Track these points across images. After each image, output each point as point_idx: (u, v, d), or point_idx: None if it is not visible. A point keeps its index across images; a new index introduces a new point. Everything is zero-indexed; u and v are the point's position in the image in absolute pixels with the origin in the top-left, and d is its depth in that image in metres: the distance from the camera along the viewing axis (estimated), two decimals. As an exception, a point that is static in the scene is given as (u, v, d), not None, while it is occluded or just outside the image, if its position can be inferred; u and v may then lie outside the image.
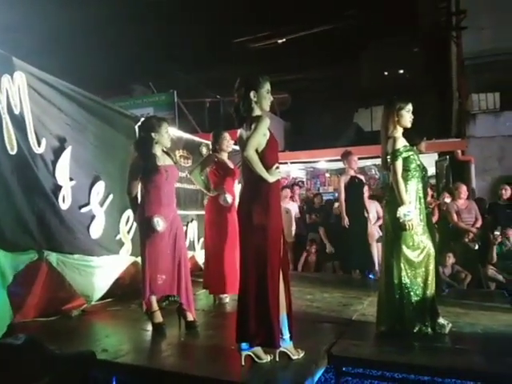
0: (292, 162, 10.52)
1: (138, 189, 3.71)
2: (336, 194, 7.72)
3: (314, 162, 10.79)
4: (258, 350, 2.87)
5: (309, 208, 7.96)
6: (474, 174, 8.18)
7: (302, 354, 2.95)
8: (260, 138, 2.80)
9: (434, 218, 6.16)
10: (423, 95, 13.58)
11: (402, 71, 15.26)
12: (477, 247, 5.99)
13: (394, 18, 12.79)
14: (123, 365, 2.94)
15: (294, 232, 7.42)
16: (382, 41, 13.71)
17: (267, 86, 2.93)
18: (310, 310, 4.29)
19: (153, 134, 3.56)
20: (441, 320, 3.45)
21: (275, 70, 11.49)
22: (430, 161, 10.00)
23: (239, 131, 2.98)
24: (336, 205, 6.67)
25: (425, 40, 12.57)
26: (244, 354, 2.85)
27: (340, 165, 6.40)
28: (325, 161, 10.38)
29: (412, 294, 3.41)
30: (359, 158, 7.42)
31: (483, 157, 8.19)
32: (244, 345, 2.85)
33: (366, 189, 6.48)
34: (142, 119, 4.09)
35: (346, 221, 5.91)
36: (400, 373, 3.00)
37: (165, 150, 3.68)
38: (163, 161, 3.61)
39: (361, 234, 5.95)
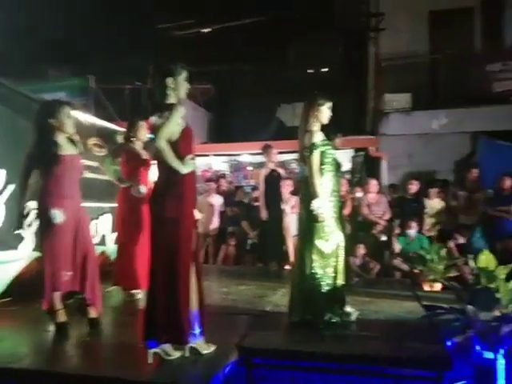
0: (215, 155, 10.45)
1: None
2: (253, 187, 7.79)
3: (237, 154, 10.81)
4: (167, 346, 2.80)
5: (230, 201, 7.95)
6: (386, 169, 8.67)
7: (212, 348, 2.93)
8: (173, 127, 2.72)
9: (347, 211, 6.43)
10: (343, 93, 14.16)
11: (325, 69, 15.77)
12: (384, 238, 6.34)
13: (317, 17, 13.15)
14: (19, 370, 2.72)
15: (216, 225, 7.38)
16: (306, 38, 14.03)
17: (185, 74, 2.88)
18: (224, 303, 4.29)
19: (52, 120, 3.30)
20: (348, 308, 3.61)
21: (200, 60, 11.32)
22: (346, 156, 10.47)
23: (152, 119, 2.87)
24: (253, 196, 6.75)
25: (345, 40, 13.06)
26: (152, 351, 2.76)
27: (263, 158, 6.49)
28: (248, 154, 10.44)
29: (322, 284, 3.52)
30: (281, 152, 7.56)
31: (394, 154, 8.69)
32: (152, 342, 2.77)
33: (288, 183, 6.62)
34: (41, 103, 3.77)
35: (264, 213, 5.98)
36: (309, 361, 3.10)
37: (70, 137, 3.44)
38: (66, 149, 3.36)
39: (277, 226, 6.06)
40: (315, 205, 3.41)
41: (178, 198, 2.71)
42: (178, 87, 2.82)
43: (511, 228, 6.15)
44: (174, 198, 2.71)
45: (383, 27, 9.27)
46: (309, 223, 3.50)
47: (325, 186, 3.50)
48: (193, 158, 2.79)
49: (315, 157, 3.45)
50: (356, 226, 6.69)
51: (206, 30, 11.50)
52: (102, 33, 11.29)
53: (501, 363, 2.91)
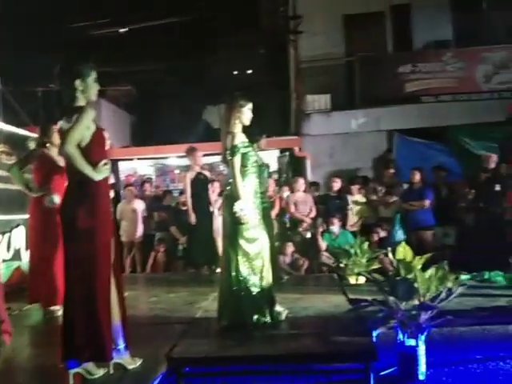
0: (140, 158, 10.12)
1: None
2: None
3: (163, 158, 10.56)
4: (90, 365, 2.62)
5: (158, 206, 7.73)
6: (310, 168, 8.91)
7: (139, 362, 2.79)
8: (82, 131, 2.55)
9: (276, 211, 6.50)
10: (267, 94, 14.38)
11: (250, 71, 15.93)
12: (309, 235, 6.49)
13: (241, 18, 13.23)
14: None
15: (141, 232, 7.13)
16: (231, 40, 14.07)
17: (94, 75, 2.71)
18: (153, 312, 4.15)
19: None
20: (277, 308, 3.62)
21: (119, 60, 10.92)
22: (272, 157, 10.62)
23: (60, 123, 2.68)
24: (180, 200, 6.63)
25: (267, 42, 13.28)
26: (72, 371, 2.57)
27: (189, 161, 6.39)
28: (175, 157, 10.23)
29: (249, 285, 3.50)
30: (208, 155, 7.48)
31: (317, 153, 8.95)
32: (72, 362, 2.58)
33: (216, 185, 6.55)
34: None
35: (193, 217, 5.87)
36: (241, 365, 3.06)
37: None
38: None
39: (207, 229, 5.98)
40: (238, 207, 3.39)
41: (91, 208, 2.54)
42: (88, 89, 2.66)
43: (423, 219, 6.58)
44: (87, 208, 2.54)
45: (302, 30, 9.51)
46: (233, 225, 3.47)
47: (248, 187, 3.48)
48: (106, 164, 2.63)
49: (237, 159, 3.43)
50: (284, 225, 6.80)
51: (123, 30, 11.09)
52: (10, 32, 10.50)
53: (421, 349, 3.05)
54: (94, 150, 2.60)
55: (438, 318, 3.07)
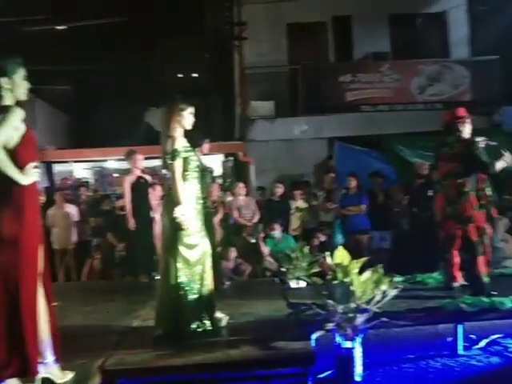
0: (76, 161, 9.71)
1: None
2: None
3: (101, 160, 10.19)
4: (13, 381, 2.45)
5: (95, 211, 7.43)
6: (254, 173, 8.96)
7: (70, 376, 2.65)
8: (9, 131, 2.39)
9: (219, 216, 6.46)
10: (212, 99, 14.36)
11: (195, 74, 15.83)
12: (254, 240, 6.51)
13: (187, 21, 13.12)
14: None
15: (75, 238, 6.82)
16: (176, 43, 13.91)
17: (22, 72, 2.55)
18: (87, 322, 3.95)
19: None
20: (218, 314, 3.58)
21: (56, 59, 10.45)
22: (216, 161, 10.58)
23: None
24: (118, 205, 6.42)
25: (212, 46, 13.26)
26: (-7, 389, 2.39)
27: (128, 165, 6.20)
28: (114, 160, 9.91)
29: (189, 292, 3.42)
30: (150, 158, 7.30)
31: (261, 158, 9.02)
32: (-7, 379, 2.40)
33: (158, 189, 6.40)
34: None
35: (132, 223, 5.70)
36: (178, 375, 2.98)
37: None
38: None
39: (147, 235, 5.82)
40: (179, 212, 3.32)
41: (16, 214, 2.38)
42: (15, 87, 2.50)
43: (360, 224, 6.81)
44: (12, 213, 2.37)
45: (246, 36, 9.57)
46: (172, 231, 3.39)
47: (189, 192, 3.42)
48: (36, 167, 2.48)
49: (177, 163, 3.36)
50: (228, 230, 6.77)
51: (61, 27, 10.62)
52: None
53: (358, 351, 3.13)
54: (22, 152, 2.45)
55: (374, 320, 3.16)
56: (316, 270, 5.10)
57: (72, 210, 6.99)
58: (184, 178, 3.41)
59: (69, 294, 5.41)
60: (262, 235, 6.59)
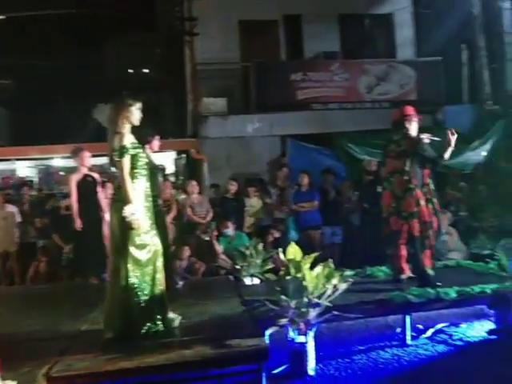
0: (19, 159, 9.22)
1: None
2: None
3: (46, 158, 9.74)
4: None
5: (40, 211, 7.10)
6: (207, 171, 8.87)
7: (12, 385, 2.51)
8: None
9: (172, 214, 6.35)
10: (164, 95, 14.09)
11: (146, 70, 15.44)
12: (207, 238, 6.45)
13: (135, 17, 12.79)
14: None
15: (17, 240, 6.49)
16: (126, 38, 13.52)
17: None
18: (32, 327, 3.76)
19: None
20: (170, 315, 3.51)
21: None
22: (169, 159, 10.40)
23: None
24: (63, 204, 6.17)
25: (164, 42, 13.00)
26: None
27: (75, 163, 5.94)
28: (60, 158, 9.50)
29: (140, 293, 3.34)
30: (98, 155, 7.04)
31: (214, 156, 8.94)
32: None
33: (108, 187, 6.18)
34: None
35: (78, 223, 5.48)
36: (131, 378, 2.90)
37: None
38: None
39: (95, 235, 5.62)
40: (128, 211, 3.22)
41: None
42: None
43: (312, 219, 6.93)
44: None
45: (197, 32, 9.45)
46: (122, 231, 3.29)
47: (138, 190, 3.33)
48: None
49: (126, 161, 3.26)
50: (181, 228, 6.67)
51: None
52: None
53: (311, 345, 3.17)
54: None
55: (326, 313, 3.21)
56: (270, 266, 5.13)
57: (14, 210, 6.63)
58: (132, 175, 3.31)
59: (13, 298, 5.16)
60: (216, 233, 6.54)
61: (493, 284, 4.15)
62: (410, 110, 4.70)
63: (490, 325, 4.08)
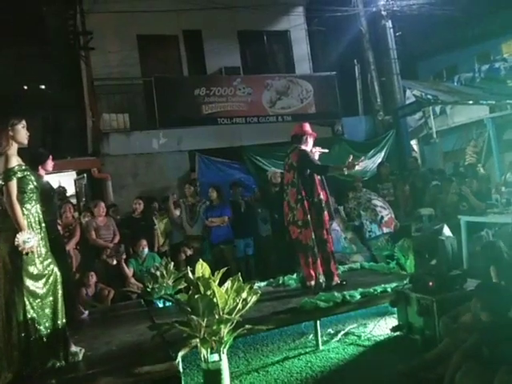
0: None
1: None
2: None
3: None
4: None
5: None
6: (112, 190, 8.46)
7: None
8: None
9: (76, 238, 5.95)
10: (62, 112, 13.29)
11: (43, 86, 14.43)
12: (115, 262, 6.13)
13: (28, 30, 11.91)
14: None
15: None
16: (20, 52, 12.54)
17: None
18: None
19: None
20: (73, 348, 3.26)
21: None
22: (69, 179, 9.79)
23: None
24: None
25: (58, 57, 12.30)
26: None
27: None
28: None
29: (41, 328, 3.09)
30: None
31: (119, 174, 8.56)
32: None
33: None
34: None
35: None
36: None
37: None
38: None
39: None
40: (20, 239, 2.95)
41: None
42: None
43: (223, 234, 6.93)
44: None
45: (93, 47, 9.07)
46: (14, 261, 3.00)
47: (29, 216, 3.06)
48: None
49: (13, 184, 2.99)
50: (87, 253, 6.26)
51: None
52: None
53: (224, 363, 3.12)
54: None
55: (238, 328, 3.18)
56: (183, 285, 5.00)
57: None
58: (21, 200, 3.04)
59: None
60: (124, 256, 6.23)
61: (393, 283, 4.45)
62: (307, 126, 4.97)
63: (393, 322, 4.33)
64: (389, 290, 4.32)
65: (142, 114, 9.07)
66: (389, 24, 10.54)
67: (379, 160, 9.28)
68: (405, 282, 4.25)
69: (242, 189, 7.79)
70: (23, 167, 3.10)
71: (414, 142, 11.80)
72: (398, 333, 4.13)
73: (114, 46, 9.06)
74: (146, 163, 8.87)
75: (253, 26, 10.43)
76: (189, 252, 6.83)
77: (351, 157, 4.67)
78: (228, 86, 9.19)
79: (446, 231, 4.66)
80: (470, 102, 10.03)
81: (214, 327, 3.04)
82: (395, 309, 4.29)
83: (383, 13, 10.45)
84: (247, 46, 10.49)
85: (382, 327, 4.38)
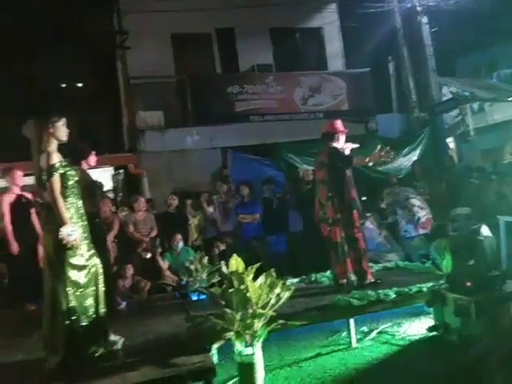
0: None
1: None
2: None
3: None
4: None
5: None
6: (147, 186, 8.67)
7: None
8: None
9: (114, 232, 6.14)
10: (98, 110, 13.67)
11: (80, 84, 14.89)
12: (149, 256, 6.28)
13: (67, 30, 12.29)
14: None
15: None
16: (58, 52, 12.98)
17: None
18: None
19: None
20: (112, 337, 3.38)
21: None
22: (106, 175, 10.07)
23: None
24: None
25: (96, 56, 12.65)
26: None
27: (6, 183, 5.56)
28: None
29: (83, 317, 3.21)
30: (29, 175, 6.68)
31: (154, 170, 8.77)
32: None
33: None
34: None
35: (15, 246, 5.16)
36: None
37: None
38: None
39: (32, 259, 5.30)
40: (64, 232, 3.08)
41: None
42: None
43: (255, 230, 6.97)
44: None
45: (129, 46, 9.29)
46: (58, 253, 3.14)
47: (71, 210, 3.19)
48: None
49: (55, 180, 3.12)
50: (124, 246, 6.45)
51: None
52: None
53: (258, 356, 3.16)
54: None
55: (271, 323, 3.22)
56: (216, 279, 5.09)
57: None
58: (64, 195, 3.18)
59: None
60: (160, 250, 6.39)
61: (429, 282, 4.38)
62: (338, 123, 4.91)
63: (429, 322, 4.27)
64: (424, 289, 4.25)
65: (176, 112, 9.24)
66: (424, 20, 10.32)
67: (414, 158, 9.11)
68: (441, 281, 4.18)
69: (274, 185, 7.81)
70: (64, 163, 3.23)
71: (450, 140, 11.52)
72: (433, 333, 4.07)
73: (149, 45, 9.25)
74: (179, 160, 9.03)
75: (285, 24, 10.44)
76: (222, 247, 6.94)
77: (378, 147, 4.61)
78: (260, 83, 9.24)
79: (485, 231, 4.53)
80: (510, 98, 9.71)
81: (248, 321, 3.09)
82: (430, 309, 4.23)
83: (418, 8, 10.24)
84: (280, 43, 10.49)
85: (417, 327, 4.33)
